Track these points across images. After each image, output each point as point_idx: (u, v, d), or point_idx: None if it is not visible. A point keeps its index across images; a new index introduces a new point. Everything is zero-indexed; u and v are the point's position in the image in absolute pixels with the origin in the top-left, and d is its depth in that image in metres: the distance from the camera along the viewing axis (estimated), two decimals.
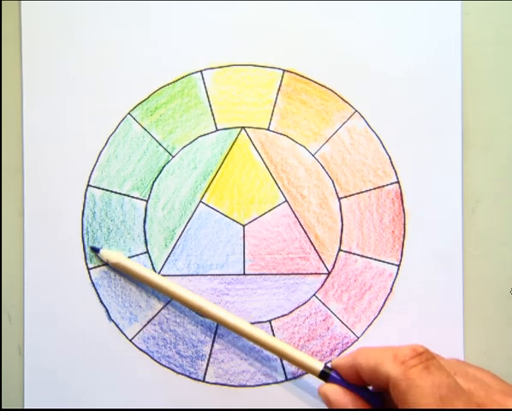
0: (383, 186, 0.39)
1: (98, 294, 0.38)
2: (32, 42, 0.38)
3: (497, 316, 0.39)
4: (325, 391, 0.33)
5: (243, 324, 0.36)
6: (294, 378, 0.38)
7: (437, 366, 0.30)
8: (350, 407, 0.32)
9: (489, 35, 0.40)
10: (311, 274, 0.38)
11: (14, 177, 0.38)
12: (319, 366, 0.35)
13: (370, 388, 0.34)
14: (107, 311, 0.38)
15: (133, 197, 0.38)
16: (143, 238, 0.38)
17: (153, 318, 0.38)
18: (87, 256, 0.38)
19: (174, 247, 0.38)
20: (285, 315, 0.38)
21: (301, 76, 0.39)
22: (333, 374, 0.34)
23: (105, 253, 0.38)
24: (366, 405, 0.33)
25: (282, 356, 0.36)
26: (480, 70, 0.39)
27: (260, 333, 0.36)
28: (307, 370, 0.35)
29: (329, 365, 0.35)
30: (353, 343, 0.38)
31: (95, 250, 0.38)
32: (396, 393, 0.30)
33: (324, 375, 0.34)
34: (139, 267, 0.37)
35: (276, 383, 0.38)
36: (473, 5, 0.39)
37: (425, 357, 0.30)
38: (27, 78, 0.38)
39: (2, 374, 0.38)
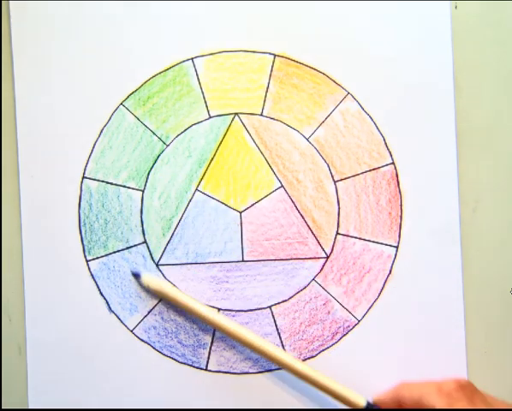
0: (378, 167, 0.39)
1: (97, 286, 0.38)
2: (23, 35, 0.38)
3: (498, 316, 0.39)
4: None
5: (292, 361, 0.37)
6: None
7: (481, 399, 0.32)
8: None
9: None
10: (309, 258, 0.38)
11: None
12: (363, 402, 0.36)
13: None
14: (107, 302, 0.38)
15: (129, 187, 0.38)
16: (140, 228, 0.38)
17: (154, 308, 0.38)
18: (85, 248, 0.38)
19: (172, 237, 0.38)
20: (285, 301, 0.38)
21: (293, 60, 0.39)
22: (375, 408, 0.36)
23: (146, 279, 0.37)
24: None
25: (323, 390, 0.36)
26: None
27: (307, 368, 0.36)
28: (349, 405, 0.36)
29: (370, 400, 0.36)
30: (354, 327, 0.38)
31: (136, 275, 0.38)
32: None
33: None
34: (183, 296, 0.37)
35: (279, 368, 0.38)
36: None
37: (469, 390, 0.32)
38: (19, 72, 0.38)
39: (2, 374, 0.38)
